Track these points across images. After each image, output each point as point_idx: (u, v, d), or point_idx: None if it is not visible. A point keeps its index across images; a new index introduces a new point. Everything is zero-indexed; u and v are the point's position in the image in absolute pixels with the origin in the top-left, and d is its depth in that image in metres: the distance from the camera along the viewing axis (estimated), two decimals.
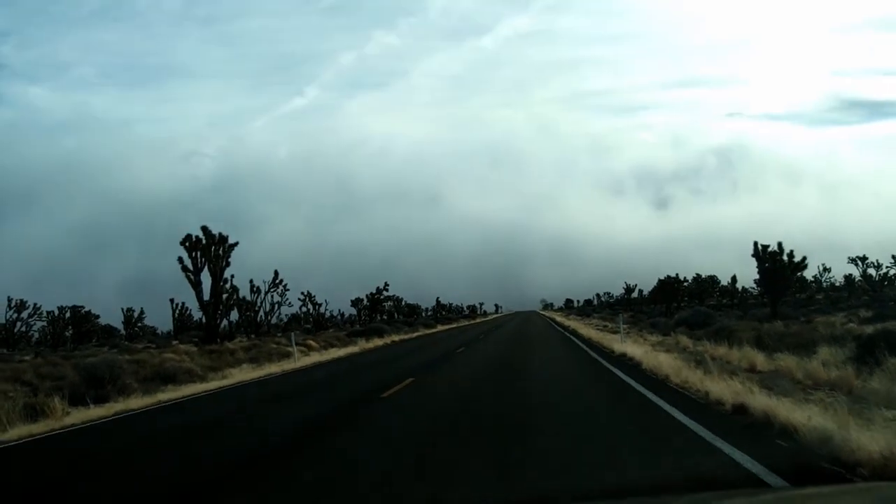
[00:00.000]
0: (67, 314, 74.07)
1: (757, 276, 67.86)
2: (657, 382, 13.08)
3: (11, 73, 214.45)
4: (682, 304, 72.41)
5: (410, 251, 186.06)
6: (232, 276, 52.61)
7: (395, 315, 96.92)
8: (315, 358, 27.39)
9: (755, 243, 36.77)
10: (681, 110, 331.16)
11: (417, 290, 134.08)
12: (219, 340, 39.21)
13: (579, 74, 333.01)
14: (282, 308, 62.62)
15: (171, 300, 57.40)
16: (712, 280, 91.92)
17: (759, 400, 8.82)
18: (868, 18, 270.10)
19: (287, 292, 61.32)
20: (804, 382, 12.00)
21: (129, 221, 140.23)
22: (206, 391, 18.79)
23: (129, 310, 76.69)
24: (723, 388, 10.30)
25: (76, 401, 17.67)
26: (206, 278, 37.94)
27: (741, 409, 8.91)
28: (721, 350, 20.31)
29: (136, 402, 16.65)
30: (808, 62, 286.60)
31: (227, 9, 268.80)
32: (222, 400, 16.81)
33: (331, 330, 66.54)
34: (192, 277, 37.75)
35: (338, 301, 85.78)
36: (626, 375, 14.78)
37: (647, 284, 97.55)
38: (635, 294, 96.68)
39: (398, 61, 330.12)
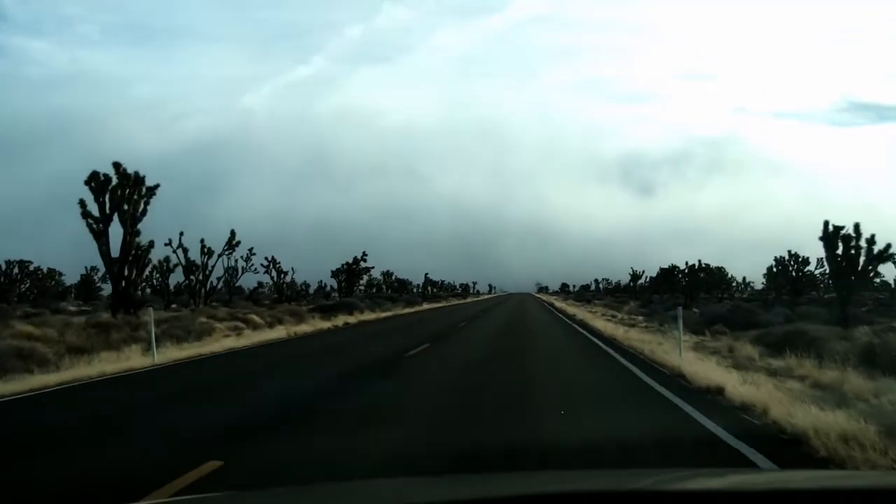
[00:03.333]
0: (15, 269, 66.67)
1: (764, 271, 60.72)
2: None
3: (14, 26, 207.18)
4: (696, 296, 65.15)
5: (399, 227, 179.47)
6: (181, 234, 44.61)
7: (385, 289, 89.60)
8: (211, 347, 18.72)
9: (826, 223, 28.19)
10: (686, 102, 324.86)
11: (408, 266, 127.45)
12: (132, 310, 30.86)
13: (587, 60, 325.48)
14: (245, 275, 54.92)
15: None
16: (720, 271, 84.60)
17: None
18: (882, 21, 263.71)
19: (253, 257, 53.46)
20: None
21: None
22: None
23: (93, 269, 68.39)
24: None
25: None
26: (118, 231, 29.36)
27: None
28: (830, 373, 12.42)
29: None
30: (820, 62, 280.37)
31: None
32: None
33: (302, 303, 58.64)
34: (95, 227, 28.69)
35: (321, 273, 78.56)
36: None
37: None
38: (643, 281, 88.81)
39: (405, 36, 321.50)
